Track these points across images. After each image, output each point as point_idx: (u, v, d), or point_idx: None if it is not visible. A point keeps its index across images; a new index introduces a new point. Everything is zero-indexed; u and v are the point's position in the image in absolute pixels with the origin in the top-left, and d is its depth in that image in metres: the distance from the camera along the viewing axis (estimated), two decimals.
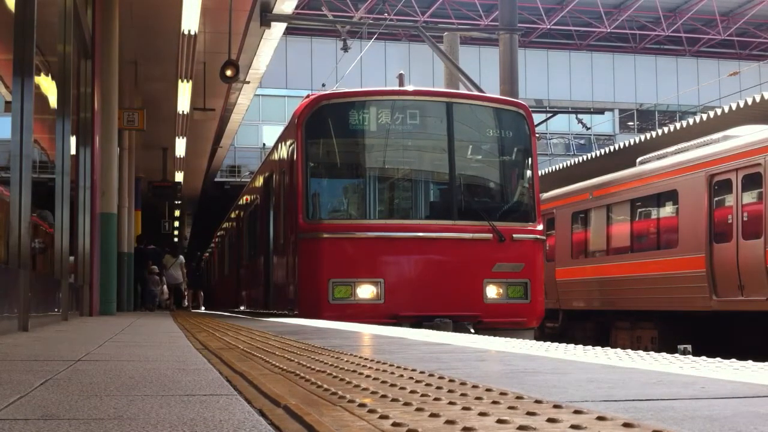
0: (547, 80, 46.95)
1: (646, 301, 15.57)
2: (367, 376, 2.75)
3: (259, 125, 44.82)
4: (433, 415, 1.85)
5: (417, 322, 10.19)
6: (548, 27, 43.89)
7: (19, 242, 6.31)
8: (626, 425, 1.69)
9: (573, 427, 1.68)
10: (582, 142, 48.27)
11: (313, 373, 2.91)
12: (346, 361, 3.42)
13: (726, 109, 16.08)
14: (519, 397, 2.17)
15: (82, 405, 2.22)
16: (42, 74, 8.98)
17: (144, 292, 23.69)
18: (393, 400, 2.13)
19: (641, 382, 2.64)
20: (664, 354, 3.97)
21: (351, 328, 7.04)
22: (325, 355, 3.79)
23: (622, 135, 45.22)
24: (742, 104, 15.65)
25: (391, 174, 11.83)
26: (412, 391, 2.31)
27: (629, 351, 4.22)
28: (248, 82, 21.88)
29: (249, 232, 18.28)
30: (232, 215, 23.64)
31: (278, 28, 18.88)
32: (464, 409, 1.96)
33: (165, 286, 26.06)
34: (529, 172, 11.77)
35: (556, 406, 1.98)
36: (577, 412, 1.89)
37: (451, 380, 2.61)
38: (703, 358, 3.60)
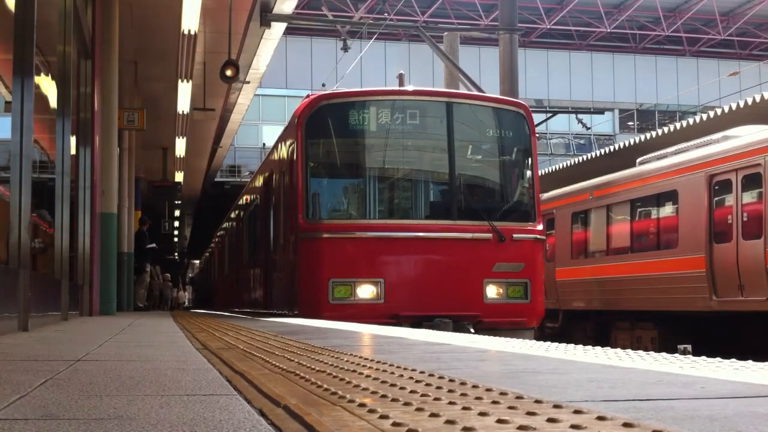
0: (547, 80, 46.97)
1: (646, 302, 15.56)
2: (367, 376, 2.75)
3: (259, 125, 44.86)
4: (433, 415, 1.85)
5: (417, 322, 10.18)
6: (548, 27, 43.91)
7: (19, 242, 6.30)
8: (626, 425, 1.69)
9: (573, 426, 1.68)
10: (582, 142, 48.30)
11: (313, 372, 2.91)
12: (346, 361, 3.42)
13: (726, 109, 16.07)
14: (519, 397, 2.17)
15: (82, 405, 2.22)
16: (42, 74, 8.97)
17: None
18: (393, 399, 2.13)
19: (641, 382, 2.64)
20: (664, 354, 3.97)
21: (351, 328, 7.03)
22: (325, 355, 3.79)
23: (622, 135, 45.25)
24: (742, 104, 15.64)
25: (391, 174, 11.83)
26: (412, 391, 2.31)
27: (629, 351, 4.22)
28: (248, 82, 21.89)
29: (249, 232, 18.27)
30: (232, 215, 23.64)
31: (278, 28, 18.90)
32: (464, 409, 1.96)
33: (183, 292, 27.08)
34: (529, 172, 11.77)
35: (556, 406, 1.98)
36: (577, 412, 1.89)
37: (451, 380, 2.61)
38: (703, 358, 3.59)
